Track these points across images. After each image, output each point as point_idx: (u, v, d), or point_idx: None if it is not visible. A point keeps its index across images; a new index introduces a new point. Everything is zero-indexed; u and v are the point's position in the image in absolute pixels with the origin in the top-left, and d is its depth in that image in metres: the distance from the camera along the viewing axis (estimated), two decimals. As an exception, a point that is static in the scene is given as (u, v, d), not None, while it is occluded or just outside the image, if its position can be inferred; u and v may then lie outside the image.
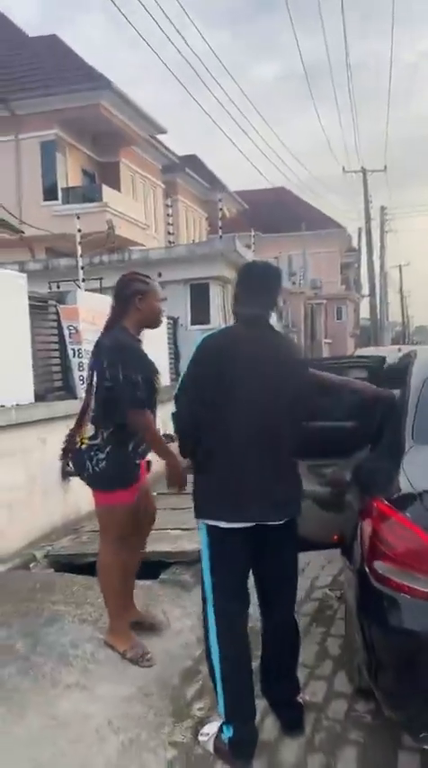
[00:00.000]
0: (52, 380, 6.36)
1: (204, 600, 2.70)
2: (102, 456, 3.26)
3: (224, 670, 2.61)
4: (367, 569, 2.36)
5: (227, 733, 2.59)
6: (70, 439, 3.44)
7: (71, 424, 3.53)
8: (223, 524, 2.57)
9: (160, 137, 24.24)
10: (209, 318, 11.64)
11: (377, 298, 31.12)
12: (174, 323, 9.13)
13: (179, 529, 5.05)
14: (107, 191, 20.11)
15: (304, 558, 3.54)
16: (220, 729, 2.64)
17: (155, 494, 7.22)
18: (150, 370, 3.34)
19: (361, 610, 2.44)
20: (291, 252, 35.55)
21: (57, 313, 6.39)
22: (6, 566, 4.56)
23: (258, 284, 2.77)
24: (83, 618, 3.71)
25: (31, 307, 5.56)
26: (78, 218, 8.95)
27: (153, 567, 4.49)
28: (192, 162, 29.39)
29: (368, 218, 29.39)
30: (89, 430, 3.32)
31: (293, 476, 2.74)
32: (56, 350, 6.38)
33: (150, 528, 3.70)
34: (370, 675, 2.43)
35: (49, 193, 20.14)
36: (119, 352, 3.20)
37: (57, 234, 17.49)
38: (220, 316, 11.80)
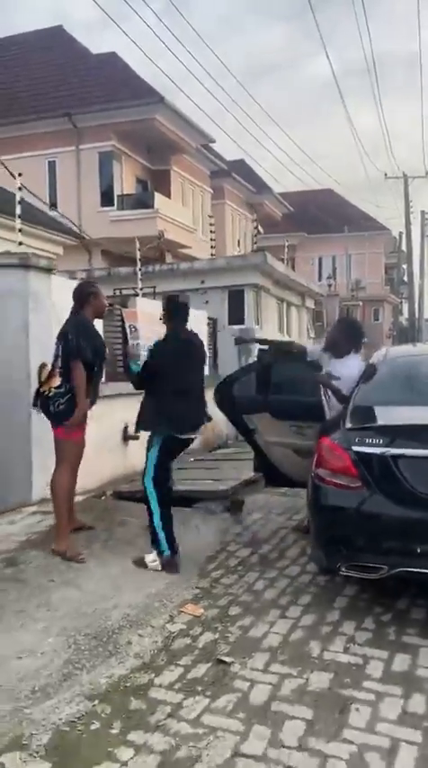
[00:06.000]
0: (117, 366, 8.06)
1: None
2: (62, 401, 4.68)
3: (163, 521, 4.64)
4: (313, 474, 4.01)
5: (167, 555, 4.59)
6: (39, 388, 4.85)
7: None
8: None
9: (211, 144, 25.86)
10: (243, 319, 12.95)
11: (415, 299, 32.23)
12: (214, 323, 10.59)
13: (210, 479, 6.85)
14: (158, 197, 21.75)
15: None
16: (160, 555, 4.59)
17: (192, 459, 8.91)
18: (98, 342, 4.96)
19: (308, 496, 4.10)
20: (335, 253, 36.82)
21: (121, 314, 8.08)
22: (86, 496, 6.29)
23: (183, 316, 4.96)
24: (138, 524, 5.41)
25: (105, 310, 7.23)
26: (139, 247, 10.63)
27: (191, 501, 6.22)
28: (240, 166, 30.87)
29: (408, 223, 30.51)
30: (56, 381, 4.73)
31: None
32: (119, 343, 8.05)
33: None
34: (312, 535, 4.08)
35: (106, 200, 21.98)
36: (77, 326, 4.78)
37: (113, 238, 19.40)
38: (253, 316, 13.28)
